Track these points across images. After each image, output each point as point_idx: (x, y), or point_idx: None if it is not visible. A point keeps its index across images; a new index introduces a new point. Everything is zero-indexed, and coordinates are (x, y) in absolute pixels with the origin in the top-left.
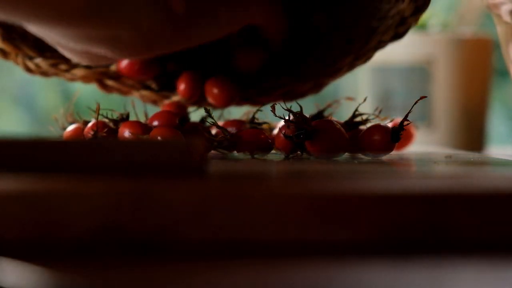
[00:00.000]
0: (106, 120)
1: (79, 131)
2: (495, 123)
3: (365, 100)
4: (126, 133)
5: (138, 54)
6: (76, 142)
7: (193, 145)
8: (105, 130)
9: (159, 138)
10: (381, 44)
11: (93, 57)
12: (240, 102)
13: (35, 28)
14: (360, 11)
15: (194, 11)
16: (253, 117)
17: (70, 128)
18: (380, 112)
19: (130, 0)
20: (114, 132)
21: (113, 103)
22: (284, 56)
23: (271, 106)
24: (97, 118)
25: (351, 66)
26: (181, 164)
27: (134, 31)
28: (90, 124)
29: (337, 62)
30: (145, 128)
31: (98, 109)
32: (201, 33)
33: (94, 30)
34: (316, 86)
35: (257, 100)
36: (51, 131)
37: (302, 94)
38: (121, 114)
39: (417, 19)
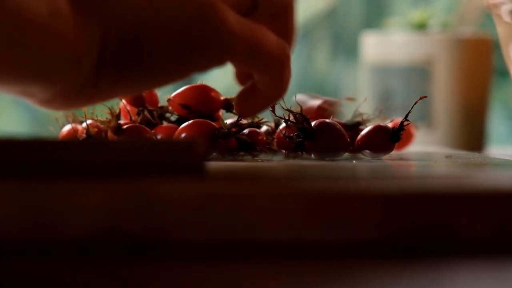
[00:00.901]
0: (98, 122)
1: (74, 132)
2: (495, 123)
3: (365, 100)
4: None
5: (58, 109)
6: (76, 142)
7: (193, 145)
8: (96, 130)
9: (159, 137)
10: None
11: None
12: None
13: None
14: None
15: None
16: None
17: (65, 128)
18: (380, 112)
19: (41, 58)
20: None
21: (111, 103)
22: None
23: (271, 106)
24: (85, 119)
25: None
26: (181, 164)
27: (47, 90)
28: (83, 125)
29: None
30: (140, 128)
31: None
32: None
33: (2, 84)
34: None
35: None
36: (51, 131)
37: None
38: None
39: None
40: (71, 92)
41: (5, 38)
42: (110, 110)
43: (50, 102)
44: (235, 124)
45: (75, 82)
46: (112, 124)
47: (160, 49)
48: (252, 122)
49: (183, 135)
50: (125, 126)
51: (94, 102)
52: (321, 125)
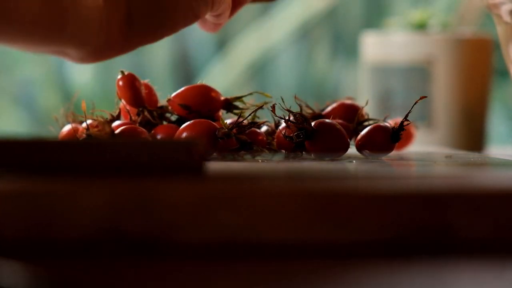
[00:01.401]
0: (100, 120)
1: (74, 132)
2: (495, 123)
3: (367, 103)
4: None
5: (89, 63)
6: (76, 142)
7: (193, 145)
8: (96, 130)
9: (159, 137)
10: None
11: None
12: None
13: None
14: None
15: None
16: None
17: (65, 128)
18: (385, 118)
19: (76, 21)
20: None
21: (112, 103)
22: None
23: (271, 106)
24: (85, 119)
25: None
26: (181, 164)
27: (81, 48)
28: (84, 125)
29: None
30: (134, 129)
31: (85, 108)
32: (161, 32)
33: (39, 47)
34: None
35: None
36: (51, 131)
37: None
38: (111, 114)
39: None
40: (102, 49)
41: (46, 5)
42: (102, 117)
43: (83, 59)
44: (235, 124)
45: (106, 40)
46: (106, 131)
47: (180, 3)
48: (253, 122)
49: (184, 135)
50: (120, 128)
51: (125, 52)
52: (321, 125)
